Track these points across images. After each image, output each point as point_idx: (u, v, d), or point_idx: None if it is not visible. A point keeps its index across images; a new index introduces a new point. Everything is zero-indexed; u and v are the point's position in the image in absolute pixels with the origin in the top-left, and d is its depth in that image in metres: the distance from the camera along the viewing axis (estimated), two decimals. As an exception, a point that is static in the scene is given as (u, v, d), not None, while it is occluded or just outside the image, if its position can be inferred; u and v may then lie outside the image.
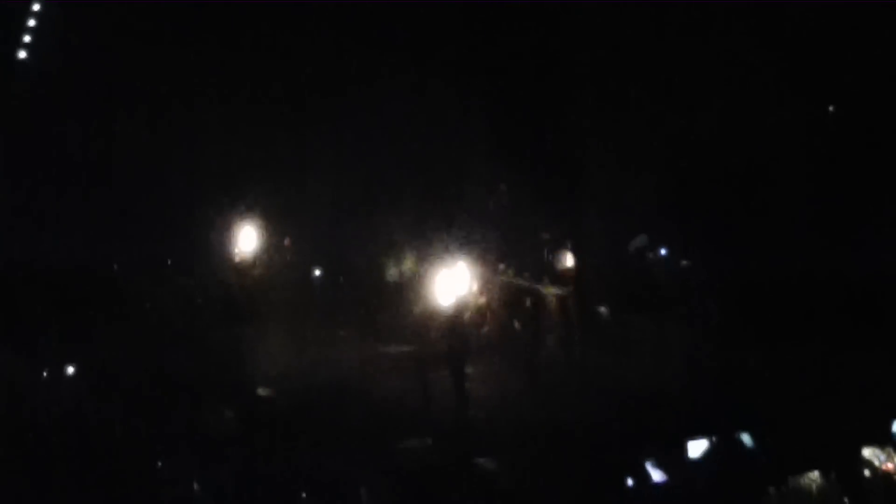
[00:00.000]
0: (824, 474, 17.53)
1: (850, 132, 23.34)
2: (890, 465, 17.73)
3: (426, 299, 21.95)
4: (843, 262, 21.34)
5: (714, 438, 18.01)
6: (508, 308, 22.96)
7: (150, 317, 22.79)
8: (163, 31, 23.72)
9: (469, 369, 20.77)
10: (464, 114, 23.56)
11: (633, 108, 23.37)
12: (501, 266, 23.07)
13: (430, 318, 21.67)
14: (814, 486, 17.52)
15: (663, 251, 23.78)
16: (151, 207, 23.61)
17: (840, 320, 20.37)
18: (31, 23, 23.90)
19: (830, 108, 23.70)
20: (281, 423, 18.95)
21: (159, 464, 18.09)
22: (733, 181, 23.20)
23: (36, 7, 23.89)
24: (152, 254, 23.87)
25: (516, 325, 22.97)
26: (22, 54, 24.00)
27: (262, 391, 20.27)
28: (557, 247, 22.98)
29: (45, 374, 20.12)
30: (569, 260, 22.83)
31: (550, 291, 22.67)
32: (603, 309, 22.77)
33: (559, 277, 22.77)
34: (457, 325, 20.85)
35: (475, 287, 21.94)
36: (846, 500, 17.46)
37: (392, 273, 23.70)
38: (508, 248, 23.19)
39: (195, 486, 17.67)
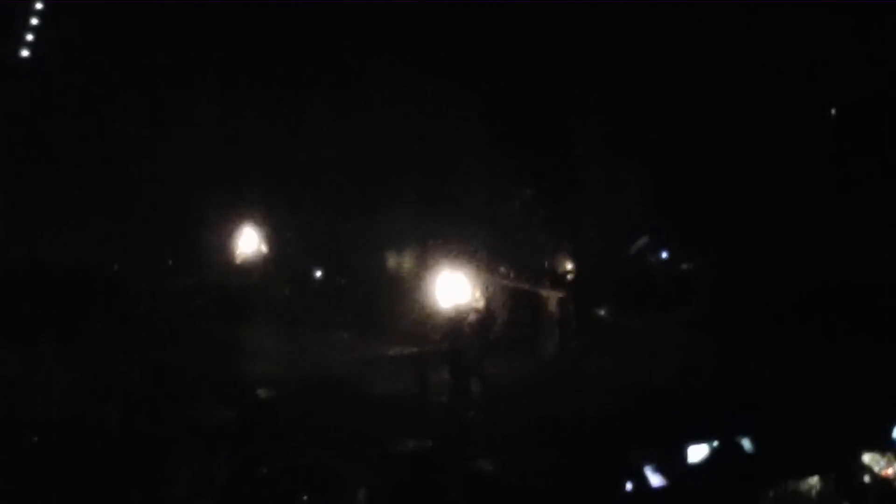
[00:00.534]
0: (824, 479, 17.56)
1: (851, 133, 23.35)
2: (889, 471, 17.75)
3: (426, 301, 21.98)
4: (845, 265, 21.37)
5: (713, 442, 18.01)
6: (508, 310, 22.95)
7: (149, 316, 22.78)
8: (164, 29, 23.70)
9: (469, 371, 20.77)
10: (464, 117, 23.54)
11: (633, 109, 23.34)
12: (501, 268, 23.07)
13: (430, 320, 21.71)
14: (813, 491, 17.55)
15: (664, 254, 23.78)
16: (152, 207, 23.61)
17: (840, 325, 20.38)
18: (34, 21, 23.89)
19: (833, 111, 23.70)
20: (279, 423, 18.96)
21: (157, 463, 18.07)
22: (734, 184, 23.20)
23: (38, 6, 23.87)
24: (153, 253, 23.87)
25: (516, 327, 22.96)
26: (24, 52, 23.99)
27: (260, 392, 20.26)
28: (557, 249, 23.00)
29: (44, 373, 20.07)
30: (568, 262, 22.84)
31: (550, 294, 22.68)
32: (602, 311, 22.77)
33: (559, 280, 22.79)
34: (457, 327, 20.86)
35: (475, 289, 21.92)
36: (845, 504, 17.52)
37: (392, 275, 23.70)
38: (508, 250, 23.19)
39: (193, 485, 17.66)
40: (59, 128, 23.56)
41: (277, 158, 24.38)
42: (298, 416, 19.10)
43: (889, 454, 17.80)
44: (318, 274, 25.06)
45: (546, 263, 23.19)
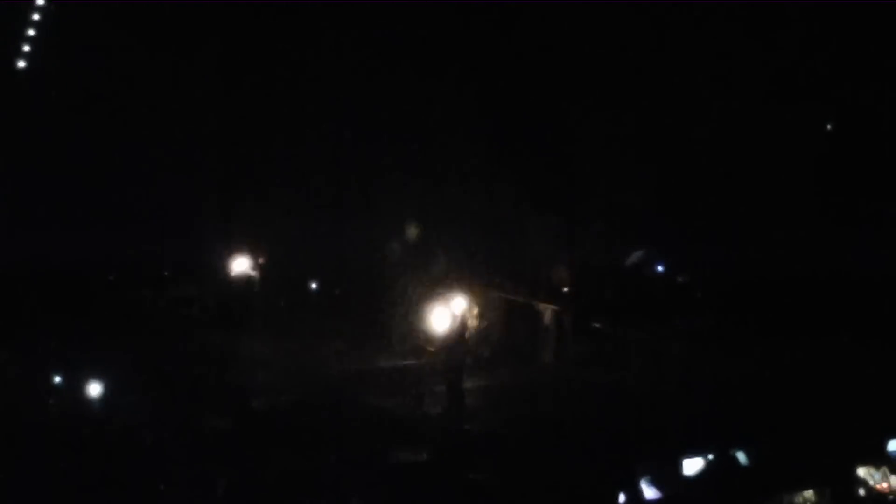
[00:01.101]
0: (819, 492, 17.53)
1: (848, 143, 23.38)
2: (884, 485, 17.74)
3: (423, 312, 21.97)
4: (842, 284, 21.39)
5: (709, 456, 17.99)
6: (505, 322, 22.96)
7: (147, 325, 22.79)
8: (163, 33, 23.71)
9: (465, 384, 20.76)
10: (463, 129, 23.57)
11: (633, 122, 23.37)
12: (499, 280, 23.08)
13: (426, 330, 21.69)
14: (808, 504, 17.57)
15: (660, 266, 23.78)
16: (150, 215, 23.59)
17: (836, 342, 20.41)
18: (35, 17, 23.88)
19: (829, 126, 23.74)
20: (276, 432, 18.94)
21: (157, 470, 18.08)
22: (731, 199, 23.23)
23: (39, 2, 23.87)
24: (151, 262, 23.86)
25: (514, 338, 22.96)
26: (25, 50, 23.99)
27: (257, 401, 20.25)
28: (555, 261, 23.01)
29: (43, 378, 20.09)
30: (566, 274, 22.85)
31: (548, 305, 22.68)
32: (600, 322, 22.76)
33: (556, 291, 22.79)
34: (453, 340, 20.84)
35: (472, 301, 21.93)
36: (840, 518, 17.50)
37: (389, 285, 23.67)
38: (506, 261, 23.19)
39: (192, 492, 17.64)
40: (59, 130, 23.54)
41: (275, 168, 24.36)
42: (295, 425, 19.08)
43: (884, 468, 17.79)
44: (314, 284, 25.04)
45: (544, 275, 23.17)
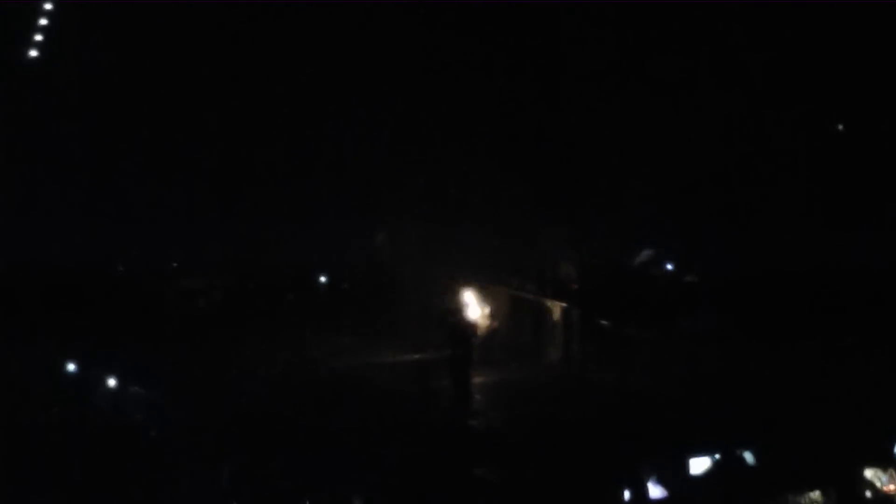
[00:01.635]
0: (825, 494, 17.52)
1: (853, 144, 23.38)
2: (891, 487, 17.73)
3: (429, 307, 21.99)
4: (848, 283, 21.37)
5: (715, 455, 17.98)
6: (511, 319, 22.94)
7: (154, 317, 22.80)
8: (170, 29, 23.71)
9: (472, 379, 20.75)
10: (469, 126, 23.58)
11: (640, 122, 23.37)
12: (506, 276, 23.06)
13: (433, 325, 21.71)
14: (814, 506, 17.56)
15: (668, 266, 23.76)
16: (158, 207, 23.62)
17: (843, 342, 20.38)
18: (42, 21, 23.90)
19: (840, 127, 23.72)
20: (281, 426, 18.94)
21: (160, 462, 18.10)
22: (739, 198, 23.22)
23: (48, 6, 23.88)
24: (158, 254, 23.88)
25: (520, 335, 22.94)
26: (33, 53, 24.01)
27: (263, 395, 20.24)
28: (562, 258, 22.98)
29: (48, 374, 20.09)
30: (573, 272, 22.83)
31: (554, 303, 22.65)
32: (606, 321, 22.72)
33: (563, 289, 22.77)
34: (460, 335, 20.84)
35: (479, 298, 21.94)
36: (846, 519, 17.48)
37: (396, 280, 23.69)
38: (513, 258, 23.17)
39: (196, 486, 17.66)
40: (66, 126, 23.57)
41: (281, 161, 24.38)
42: (300, 419, 19.08)
43: (891, 469, 17.78)
44: (322, 279, 25.05)
45: (551, 272, 23.15)
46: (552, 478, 17.55)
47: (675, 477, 17.69)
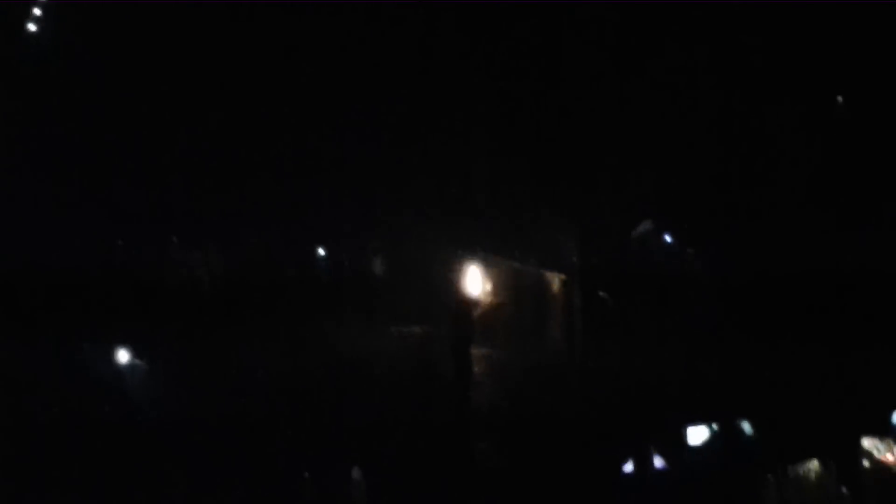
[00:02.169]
0: (823, 464, 17.56)
1: (855, 123, 23.34)
2: (889, 457, 17.75)
3: (430, 283, 22.03)
4: (848, 253, 21.34)
5: (714, 426, 18.05)
6: (512, 293, 22.99)
7: (153, 301, 22.81)
8: (166, 23, 23.71)
9: (473, 351, 20.81)
10: (468, 100, 23.57)
11: (637, 93, 23.33)
12: (506, 252, 23.09)
13: (434, 301, 21.76)
14: (812, 476, 17.54)
15: (668, 238, 23.75)
16: (155, 194, 23.64)
17: (842, 311, 20.39)
18: (36, 13, 23.91)
19: (839, 98, 23.67)
20: (279, 404, 19.02)
21: (159, 444, 18.17)
22: (739, 169, 23.21)
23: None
24: (156, 238, 23.90)
25: (520, 311, 22.99)
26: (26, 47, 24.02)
27: (261, 372, 20.31)
28: (562, 235, 22.99)
29: (47, 369, 20.07)
30: (573, 248, 22.85)
31: (555, 279, 22.69)
32: (606, 295, 22.75)
33: (563, 266, 22.80)
34: (461, 311, 20.91)
35: (480, 273, 21.98)
36: (844, 490, 17.49)
37: (396, 256, 23.73)
38: (514, 234, 23.20)
39: (194, 468, 17.71)
40: (60, 121, 23.57)
41: (280, 147, 24.39)
42: (298, 396, 19.15)
43: (888, 439, 17.80)
44: (322, 252, 25.06)
45: (551, 249, 23.18)
46: (553, 451, 17.63)
47: (672, 447, 17.77)
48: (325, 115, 24.04)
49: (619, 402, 18.82)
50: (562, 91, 23.57)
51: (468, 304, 21.17)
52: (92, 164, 23.30)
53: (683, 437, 17.95)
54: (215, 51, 23.79)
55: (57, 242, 22.09)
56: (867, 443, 17.87)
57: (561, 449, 17.80)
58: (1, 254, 21.13)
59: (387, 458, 17.73)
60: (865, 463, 17.79)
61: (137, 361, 20.05)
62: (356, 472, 17.28)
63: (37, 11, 24.10)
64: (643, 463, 17.86)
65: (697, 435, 18.02)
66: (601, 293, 22.24)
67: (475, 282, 21.73)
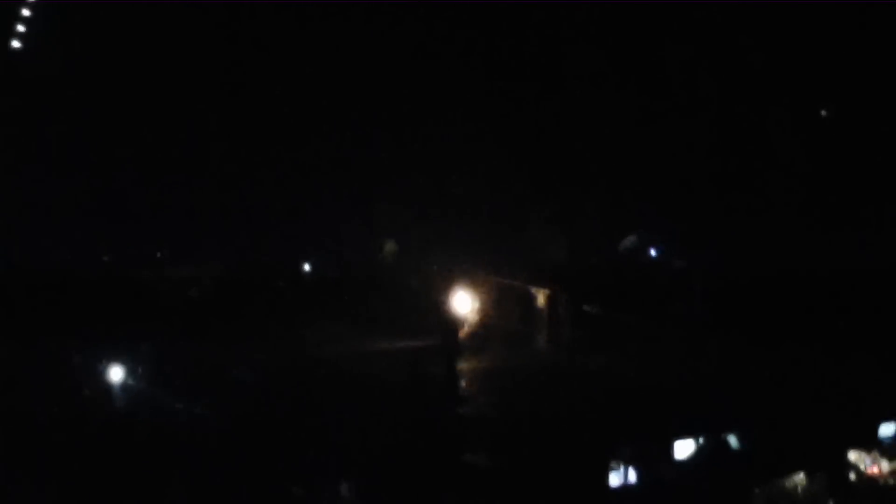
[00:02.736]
0: (810, 477, 17.64)
1: (845, 133, 23.44)
2: (875, 469, 17.85)
3: (419, 295, 22.03)
4: (836, 266, 21.45)
5: (701, 439, 18.08)
6: (500, 307, 23.00)
7: (145, 307, 22.76)
8: (158, 21, 23.65)
9: (461, 365, 20.82)
10: (461, 113, 23.60)
11: (629, 108, 23.41)
12: (495, 263, 23.11)
13: (422, 313, 21.76)
14: (800, 489, 17.64)
15: (654, 251, 23.84)
16: (146, 197, 23.59)
17: (829, 325, 20.47)
18: (26, 13, 23.83)
19: (823, 113, 23.80)
20: (270, 415, 18.98)
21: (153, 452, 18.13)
22: (727, 182, 23.29)
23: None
24: (148, 244, 23.85)
25: (509, 321, 23.00)
26: (15, 44, 23.94)
27: (253, 382, 20.27)
28: (551, 245, 23.04)
29: (42, 370, 20.02)
30: (562, 258, 22.91)
31: (543, 289, 22.73)
32: (593, 307, 22.81)
33: (552, 275, 22.84)
34: (450, 322, 20.91)
35: (468, 286, 21.99)
36: (832, 502, 17.57)
37: (385, 269, 23.73)
38: (503, 245, 23.23)
39: (187, 474, 17.68)
40: (52, 119, 23.50)
41: (274, 151, 24.37)
42: (289, 407, 19.11)
43: (875, 452, 17.90)
44: (310, 267, 25.05)
45: (539, 258, 23.22)
46: (540, 462, 17.63)
47: (660, 461, 17.79)
48: (314, 128, 24.07)
49: (606, 415, 18.81)
50: (554, 107, 23.65)
51: (455, 318, 21.18)
52: (82, 175, 23.27)
53: (671, 450, 17.98)
54: (209, 57, 23.79)
55: (51, 250, 22.09)
56: (854, 455, 17.97)
57: (549, 461, 17.78)
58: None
59: (377, 470, 17.71)
60: (852, 476, 17.88)
61: (128, 373, 20.00)
62: (345, 488, 17.29)
63: (25, 12, 24.01)
64: (630, 475, 17.88)
65: (684, 448, 18.03)
66: (586, 306, 22.31)
67: (463, 296, 21.76)
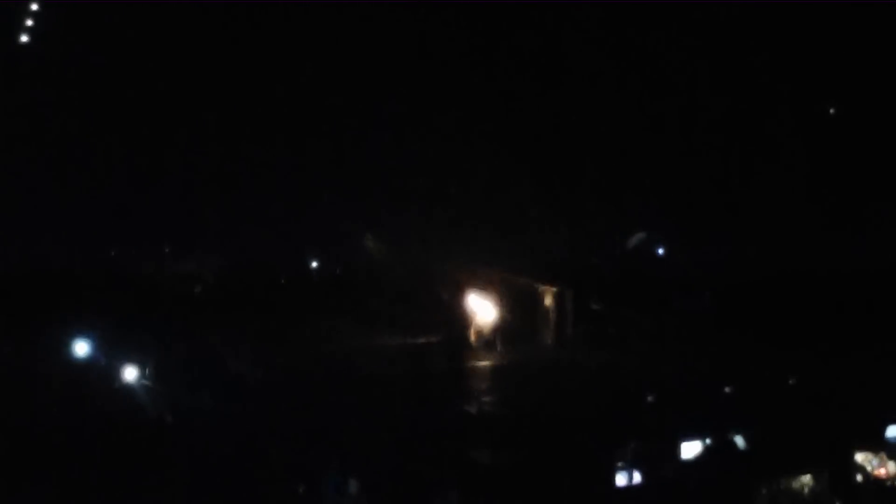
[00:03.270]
0: (816, 478, 17.61)
1: (849, 131, 23.40)
2: (882, 471, 17.82)
3: (424, 292, 22.01)
4: (842, 268, 21.41)
5: (707, 439, 18.05)
6: (506, 304, 22.97)
7: (148, 302, 22.74)
8: (163, 18, 23.63)
9: (467, 362, 20.82)
10: (464, 110, 23.57)
11: (636, 108, 23.38)
12: (500, 260, 23.10)
13: (427, 310, 21.74)
14: (806, 490, 17.60)
15: (661, 249, 23.82)
16: (151, 192, 23.58)
17: (835, 326, 20.43)
18: (34, 7, 23.82)
19: (831, 111, 23.75)
20: (276, 411, 18.95)
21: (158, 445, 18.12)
22: (732, 180, 23.26)
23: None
24: (152, 239, 23.83)
25: (515, 318, 22.97)
26: (23, 38, 23.91)
27: (258, 379, 20.25)
28: (556, 242, 23.02)
29: (43, 366, 19.99)
30: (567, 255, 22.88)
31: (548, 286, 22.70)
32: (600, 304, 22.79)
33: (558, 272, 22.82)
34: (456, 320, 20.91)
35: (474, 284, 21.99)
36: (837, 503, 17.55)
37: (390, 265, 23.70)
38: (508, 242, 23.20)
39: (188, 470, 17.65)
40: (57, 113, 23.48)
41: (278, 148, 24.36)
42: (295, 404, 19.08)
43: (882, 454, 17.87)
44: (315, 263, 25.04)
45: (545, 257, 23.19)
46: (545, 460, 17.60)
47: (666, 461, 17.76)
48: (317, 124, 24.04)
49: (611, 414, 18.77)
50: (558, 105, 23.62)
51: (462, 315, 21.18)
52: (86, 173, 23.25)
53: (677, 450, 17.95)
54: (214, 55, 23.76)
55: (52, 248, 22.06)
56: (860, 457, 17.94)
57: (554, 459, 17.75)
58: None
59: (383, 466, 17.68)
60: (859, 477, 17.85)
61: (134, 369, 19.98)
62: (353, 485, 17.27)
63: (30, 21, 24.00)
64: (635, 476, 17.86)
65: (690, 449, 18.00)
66: (593, 304, 22.29)
67: (469, 294, 21.75)
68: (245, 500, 17.23)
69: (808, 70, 23.29)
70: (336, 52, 23.82)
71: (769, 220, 23.00)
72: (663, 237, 23.67)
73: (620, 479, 17.81)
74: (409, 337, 21.89)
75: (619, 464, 17.81)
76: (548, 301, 22.67)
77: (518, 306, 23.02)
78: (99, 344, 20.17)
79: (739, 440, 18.22)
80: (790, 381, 18.98)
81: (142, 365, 19.85)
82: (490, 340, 22.45)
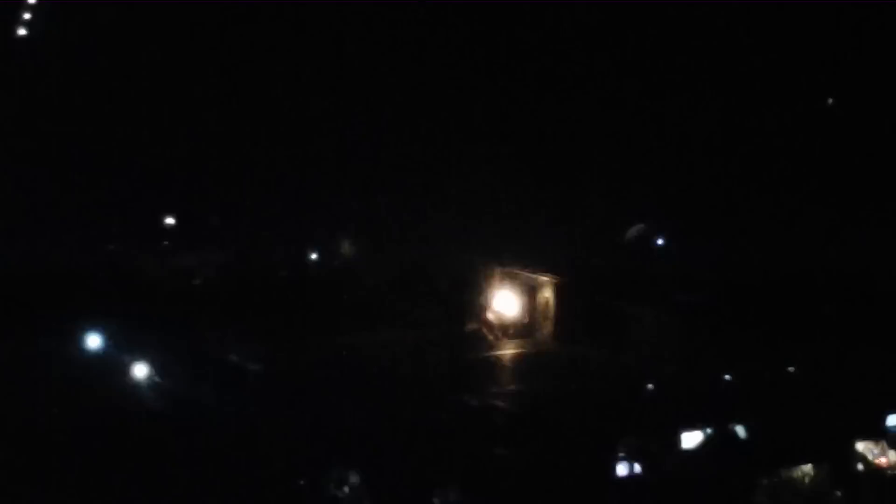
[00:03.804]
0: (817, 467, 17.60)
1: (849, 124, 23.39)
2: (883, 460, 17.82)
3: (426, 286, 22.02)
4: (841, 256, 21.39)
5: (708, 429, 18.06)
6: (508, 297, 22.97)
7: (148, 296, 22.74)
8: (161, 13, 23.61)
9: (469, 356, 20.83)
10: (464, 100, 23.55)
11: (634, 97, 23.35)
12: (501, 252, 23.10)
13: (429, 303, 21.76)
14: (807, 479, 17.61)
15: (660, 241, 23.78)
16: (149, 188, 23.56)
17: (836, 315, 20.44)
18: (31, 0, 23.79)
19: (829, 101, 23.72)
20: (277, 406, 18.98)
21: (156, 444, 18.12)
22: (732, 172, 23.24)
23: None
24: (151, 234, 23.83)
25: (515, 313, 22.98)
26: (21, 31, 23.88)
27: (261, 372, 20.27)
28: (556, 234, 23.00)
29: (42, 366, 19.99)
30: (567, 247, 22.86)
31: (549, 278, 22.71)
32: (600, 298, 22.78)
33: (558, 265, 22.82)
34: (457, 314, 20.92)
35: (476, 277, 22.01)
36: (839, 493, 17.53)
37: (390, 259, 23.69)
38: (508, 235, 23.18)
39: (192, 468, 17.66)
40: (55, 107, 23.47)
41: (275, 141, 24.33)
42: (296, 398, 19.10)
43: (882, 443, 17.86)
44: (314, 256, 25.02)
45: (544, 249, 23.18)
46: (546, 453, 17.63)
47: (667, 451, 17.77)
48: (320, 119, 24.02)
49: (612, 405, 18.79)
50: (559, 95, 23.59)
51: (464, 308, 21.20)
52: (85, 168, 23.22)
53: (678, 440, 17.96)
54: (212, 49, 23.74)
55: (52, 244, 22.06)
56: (861, 446, 17.94)
57: (555, 451, 17.77)
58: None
59: (384, 460, 17.69)
60: (860, 466, 17.85)
61: (140, 369, 19.99)
62: (354, 476, 17.28)
63: (26, 15, 23.96)
64: (636, 466, 17.87)
65: (691, 439, 18.01)
66: (595, 296, 22.28)
67: (471, 287, 21.77)
68: (246, 493, 17.26)
69: (808, 63, 23.26)
70: (335, 53, 23.84)
71: (769, 212, 22.96)
72: (663, 228, 23.63)
73: (621, 470, 17.83)
74: (410, 330, 21.90)
75: (620, 454, 17.83)
76: (549, 294, 22.66)
77: (520, 299, 23.02)
78: (105, 339, 20.20)
79: (740, 430, 18.24)
80: (789, 370, 18.96)
81: (150, 360, 19.86)
82: (491, 333, 22.46)
